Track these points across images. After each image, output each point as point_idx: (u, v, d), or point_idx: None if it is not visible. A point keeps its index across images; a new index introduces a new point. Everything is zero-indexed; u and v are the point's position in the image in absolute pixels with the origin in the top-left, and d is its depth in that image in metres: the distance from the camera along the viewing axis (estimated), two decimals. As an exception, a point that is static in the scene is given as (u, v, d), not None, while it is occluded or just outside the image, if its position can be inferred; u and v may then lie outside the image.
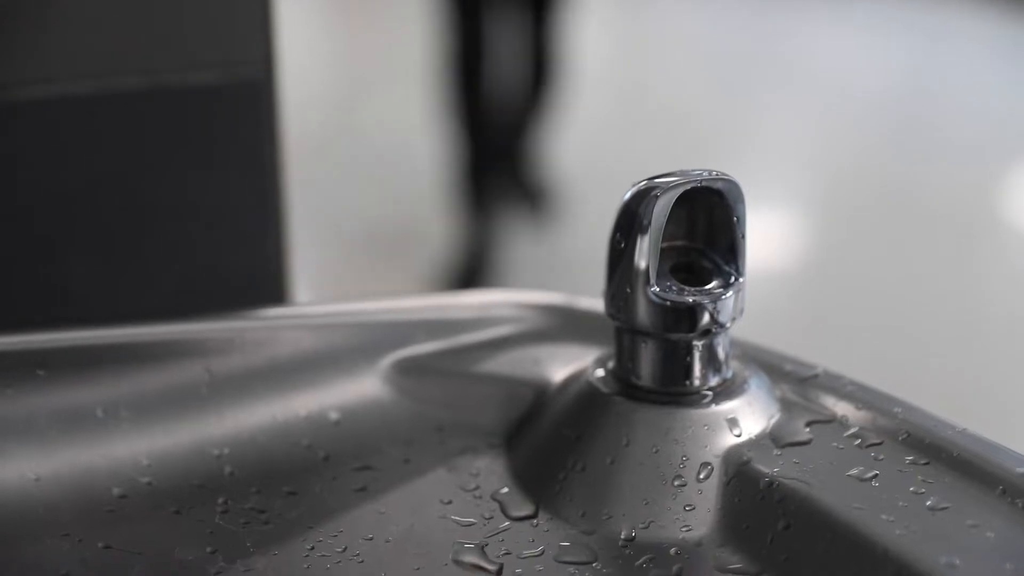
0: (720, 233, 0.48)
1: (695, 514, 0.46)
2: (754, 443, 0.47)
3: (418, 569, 0.45)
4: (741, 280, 0.48)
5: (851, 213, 2.86)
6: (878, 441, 0.47)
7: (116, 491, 0.49)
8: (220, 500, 0.49)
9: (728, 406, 0.48)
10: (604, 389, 0.49)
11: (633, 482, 0.47)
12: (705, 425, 0.47)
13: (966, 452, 0.45)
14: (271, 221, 0.76)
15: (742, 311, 0.48)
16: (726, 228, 0.48)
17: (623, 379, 0.49)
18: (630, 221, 0.46)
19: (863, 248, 2.64)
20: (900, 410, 0.48)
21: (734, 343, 0.50)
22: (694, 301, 0.47)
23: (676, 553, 0.45)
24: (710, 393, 0.48)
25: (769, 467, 0.46)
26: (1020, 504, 0.43)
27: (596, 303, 0.52)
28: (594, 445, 0.48)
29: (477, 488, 0.49)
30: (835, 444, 0.47)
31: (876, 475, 0.45)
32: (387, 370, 0.54)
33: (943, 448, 0.45)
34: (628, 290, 0.47)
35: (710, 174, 0.47)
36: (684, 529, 0.46)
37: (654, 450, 0.47)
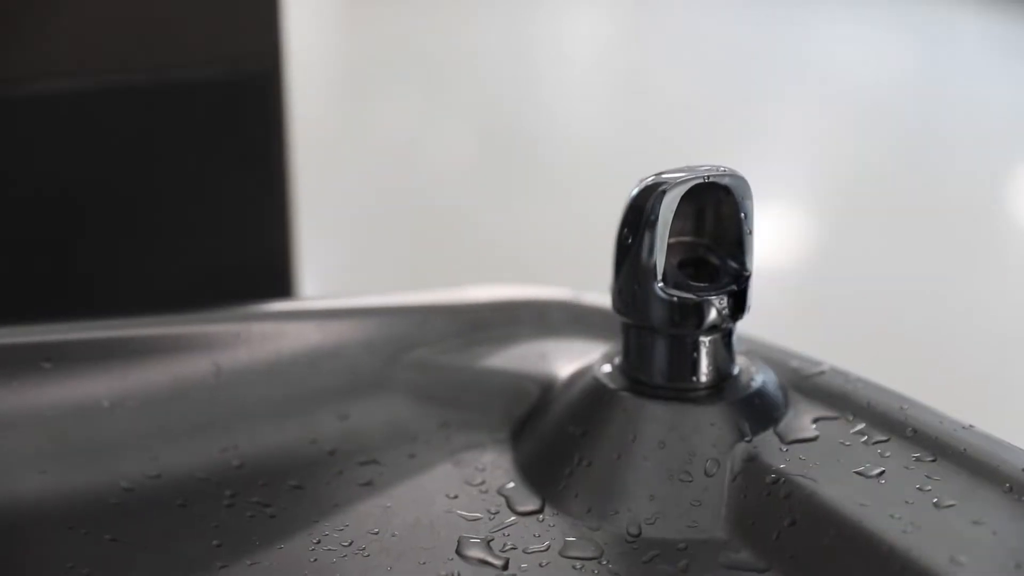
0: (727, 229, 0.48)
1: (701, 510, 0.46)
2: (760, 439, 0.47)
3: (423, 563, 0.45)
4: (748, 276, 0.48)
5: (858, 209, 2.86)
6: (884, 438, 0.47)
7: (123, 484, 0.49)
8: (226, 494, 0.49)
9: (735, 402, 0.48)
10: (611, 385, 0.49)
11: (639, 478, 0.47)
12: (711, 421, 0.47)
13: (972, 449, 0.45)
14: (278, 215, 0.76)
15: (749, 307, 0.48)
16: (733, 224, 0.48)
17: (630, 375, 0.49)
18: (637, 217, 0.46)
19: (870, 244, 2.64)
20: (906, 407, 0.48)
21: (741, 339, 0.50)
22: (701, 297, 0.47)
23: (682, 549, 0.45)
24: (717, 389, 0.48)
25: (775, 463, 0.46)
26: (1026, 501, 0.43)
27: (603, 298, 0.52)
28: (600, 441, 0.48)
29: (483, 483, 0.49)
30: (841, 441, 0.47)
31: (882, 472, 0.45)
32: (393, 364, 0.54)
33: (949, 445, 0.45)
34: (635, 286, 0.47)
35: (717, 170, 0.47)
36: (690, 525, 0.46)
37: (660, 446, 0.47)
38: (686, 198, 0.47)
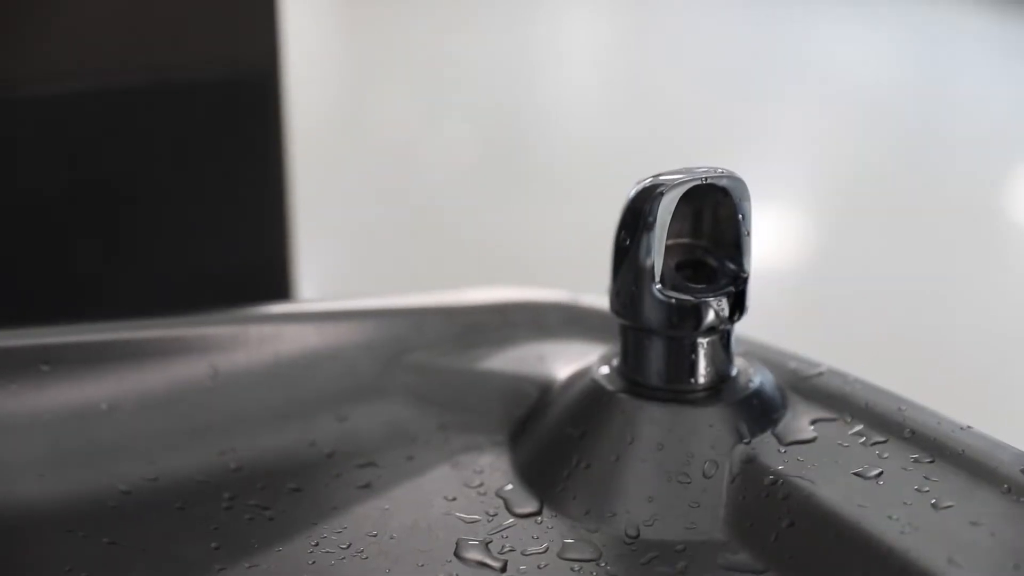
0: (725, 231, 0.48)
1: (700, 512, 0.46)
2: (759, 441, 0.47)
3: (422, 566, 0.45)
4: (746, 277, 0.48)
5: (857, 211, 2.86)
6: (882, 439, 0.47)
7: (121, 487, 0.49)
8: (224, 496, 0.49)
9: (733, 404, 0.48)
10: (609, 386, 0.49)
11: (638, 479, 0.47)
12: (710, 423, 0.47)
13: (970, 450, 0.45)
14: (277, 217, 0.76)
15: (747, 309, 0.48)
16: (731, 225, 0.48)
17: (628, 377, 0.49)
18: (635, 218, 0.46)
19: (869, 246, 2.64)
20: (905, 408, 0.48)
21: (739, 341, 0.50)
22: (699, 299, 0.47)
23: (681, 550, 0.45)
24: (715, 391, 0.48)
25: (774, 465, 0.46)
26: (1025, 503, 0.43)
27: (601, 300, 0.52)
28: (599, 442, 0.48)
29: (481, 485, 0.49)
30: (839, 442, 0.47)
31: (880, 473, 0.45)
32: (391, 366, 0.54)
33: (947, 446, 0.45)
34: (633, 288, 0.47)
35: (715, 171, 0.47)
36: (689, 527, 0.46)
37: (659, 448, 0.47)
38: (684, 200, 0.47)
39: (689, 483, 0.46)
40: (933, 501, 0.43)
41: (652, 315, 0.47)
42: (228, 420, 0.52)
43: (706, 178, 0.47)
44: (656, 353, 0.48)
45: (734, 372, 0.49)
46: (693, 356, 0.48)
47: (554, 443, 0.49)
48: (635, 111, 3.45)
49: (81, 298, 0.74)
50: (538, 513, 0.48)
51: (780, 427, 0.48)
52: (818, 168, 3.16)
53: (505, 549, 0.46)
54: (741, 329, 0.50)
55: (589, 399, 0.49)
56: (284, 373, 0.53)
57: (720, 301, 0.47)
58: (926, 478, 0.44)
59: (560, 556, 0.46)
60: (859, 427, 0.47)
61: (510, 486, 0.49)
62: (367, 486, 0.50)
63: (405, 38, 3.89)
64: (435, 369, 0.54)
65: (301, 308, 0.60)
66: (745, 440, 0.47)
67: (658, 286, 0.47)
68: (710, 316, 0.47)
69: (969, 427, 0.46)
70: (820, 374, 0.51)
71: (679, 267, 0.48)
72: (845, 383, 0.50)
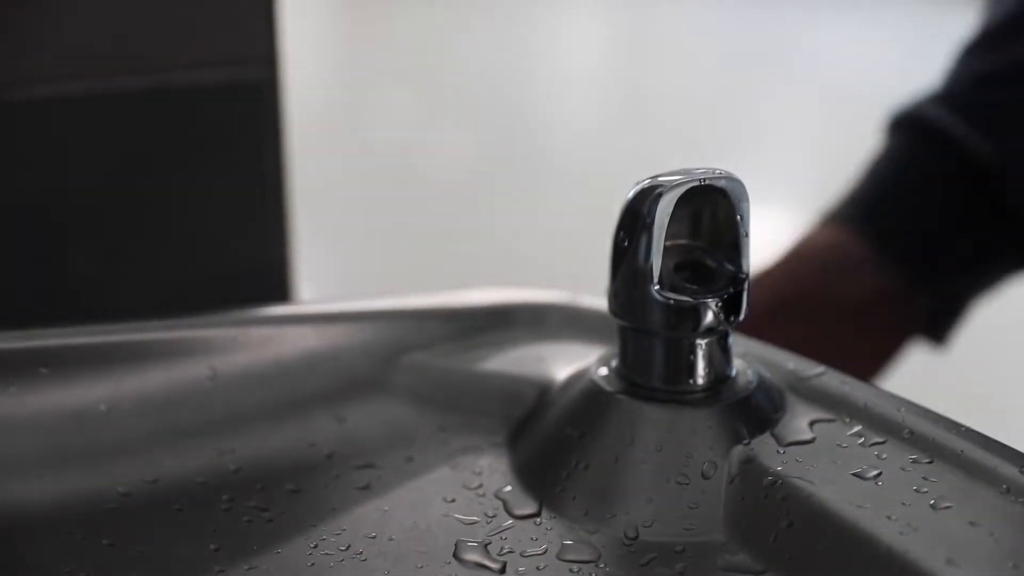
0: (724, 232, 0.48)
1: (699, 513, 0.46)
2: (757, 442, 0.47)
3: (421, 567, 0.45)
4: (745, 278, 0.48)
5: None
6: (881, 440, 0.47)
7: (120, 489, 0.49)
8: (223, 498, 0.49)
9: (731, 405, 0.48)
10: (607, 387, 0.49)
11: (637, 481, 0.47)
12: (708, 424, 0.47)
13: (969, 451, 0.45)
14: (275, 219, 0.76)
15: (745, 310, 0.48)
16: (730, 226, 0.48)
17: (626, 378, 0.49)
18: (633, 219, 0.46)
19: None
20: (903, 409, 0.48)
21: (737, 341, 0.50)
22: (697, 300, 0.47)
23: (680, 551, 0.45)
24: (714, 391, 0.48)
25: (773, 466, 0.46)
26: (1023, 503, 0.43)
27: (599, 301, 0.52)
28: (598, 444, 0.48)
29: (480, 486, 0.49)
30: (838, 443, 0.47)
31: (879, 474, 0.45)
32: (390, 368, 0.54)
33: (946, 447, 0.45)
34: (632, 289, 0.47)
35: (713, 172, 0.47)
36: (688, 528, 0.46)
37: (658, 449, 0.47)
38: (682, 201, 0.47)
39: (688, 484, 0.46)
40: (932, 501, 0.43)
41: (650, 316, 0.47)
42: (227, 421, 0.52)
43: (704, 179, 0.47)
44: (655, 354, 0.48)
45: (733, 373, 0.49)
46: (692, 357, 0.48)
47: (553, 444, 0.49)
48: (634, 113, 3.45)
49: (80, 300, 0.74)
50: (537, 514, 0.48)
51: (779, 428, 0.48)
52: (818, 169, 3.16)
53: (504, 550, 0.46)
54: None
55: (588, 400, 0.49)
56: (283, 374, 0.53)
57: (719, 302, 0.47)
58: (925, 479, 0.44)
59: (559, 557, 0.46)
60: (858, 428, 0.47)
61: (509, 487, 0.49)
62: (366, 487, 0.50)
63: (405, 38, 3.89)
64: (434, 370, 0.54)
65: (300, 310, 0.60)
66: (744, 441, 0.47)
67: (656, 287, 0.47)
68: (708, 317, 0.47)
69: (968, 428, 0.46)
70: (819, 375, 0.51)
71: (677, 268, 0.48)
72: (844, 383, 0.50)
